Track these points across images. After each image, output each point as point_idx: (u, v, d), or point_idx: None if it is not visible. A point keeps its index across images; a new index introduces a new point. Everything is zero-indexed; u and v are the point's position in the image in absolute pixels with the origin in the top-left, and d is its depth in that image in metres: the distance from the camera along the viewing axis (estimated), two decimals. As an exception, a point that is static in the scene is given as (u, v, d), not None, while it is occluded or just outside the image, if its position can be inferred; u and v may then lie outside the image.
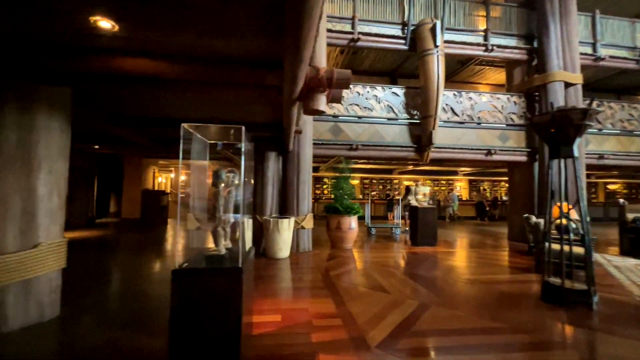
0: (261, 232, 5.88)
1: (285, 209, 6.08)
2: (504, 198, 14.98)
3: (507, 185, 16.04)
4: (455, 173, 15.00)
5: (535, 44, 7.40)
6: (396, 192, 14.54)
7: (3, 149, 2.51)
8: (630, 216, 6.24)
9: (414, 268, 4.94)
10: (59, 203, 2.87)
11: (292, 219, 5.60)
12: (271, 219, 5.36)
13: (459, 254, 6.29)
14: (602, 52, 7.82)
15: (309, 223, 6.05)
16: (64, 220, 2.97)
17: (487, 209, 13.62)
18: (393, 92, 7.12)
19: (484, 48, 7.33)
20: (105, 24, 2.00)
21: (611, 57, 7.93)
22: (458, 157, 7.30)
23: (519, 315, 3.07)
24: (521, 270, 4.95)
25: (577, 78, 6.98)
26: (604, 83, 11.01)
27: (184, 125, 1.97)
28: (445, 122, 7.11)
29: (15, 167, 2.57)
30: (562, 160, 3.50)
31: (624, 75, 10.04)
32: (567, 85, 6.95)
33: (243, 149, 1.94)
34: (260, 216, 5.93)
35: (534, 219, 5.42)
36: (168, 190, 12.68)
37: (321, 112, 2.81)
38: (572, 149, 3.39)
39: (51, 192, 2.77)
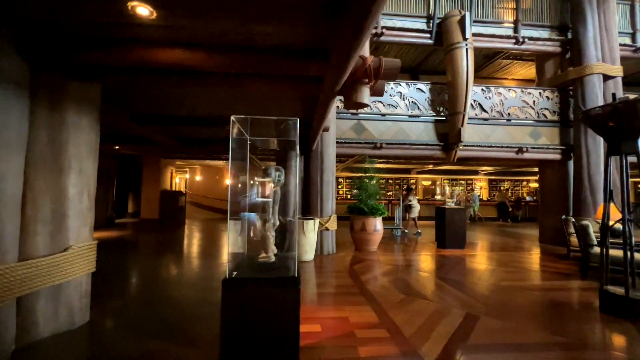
0: (281, 233, 5.71)
1: (308, 210, 5.89)
2: (527, 198, 14.40)
3: (529, 185, 15.48)
4: (475, 172, 14.51)
5: (570, 35, 6.99)
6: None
7: (34, 147, 2.39)
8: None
9: (449, 272, 4.66)
10: (89, 204, 2.75)
11: (317, 220, 5.41)
12: (294, 220, 5.18)
13: (491, 257, 5.95)
14: (643, 42, 7.33)
15: (333, 224, 5.85)
16: (93, 221, 2.85)
17: (510, 209, 13.10)
18: (418, 88, 6.84)
19: (514, 41, 6.97)
20: (143, 10, 1.84)
21: (652, 47, 7.43)
22: (487, 156, 6.96)
23: (581, 328, 2.78)
24: (564, 275, 4.60)
25: (617, 70, 6.56)
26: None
27: (234, 117, 1.80)
28: (472, 119, 6.80)
29: (45, 166, 2.45)
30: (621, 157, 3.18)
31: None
32: (606, 78, 6.53)
33: (297, 142, 1.76)
34: (283, 217, 5.75)
35: (575, 220, 5.05)
36: (184, 191, 12.69)
37: (365, 106, 2.60)
38: (637, 144, 3.07)
39: (81, 193, 2.65)
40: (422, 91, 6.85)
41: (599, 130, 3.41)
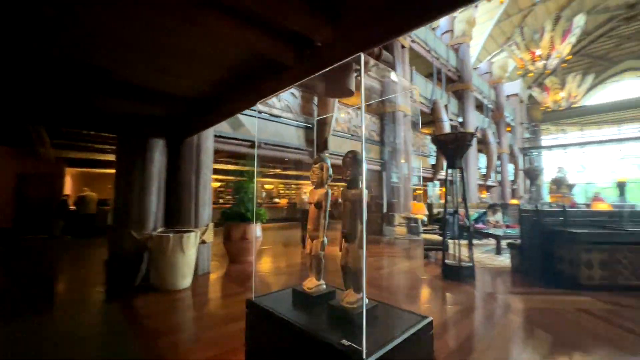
0: (136, 255, 4.02)
1: (176, 218, 4.45)
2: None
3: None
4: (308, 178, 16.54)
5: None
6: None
7: None
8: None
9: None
10: None
11: (198, 232, 4.18)
12: (171, 235, 3.76)
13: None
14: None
15: (210, 235, 4.72)
16: None
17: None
18: (291, 93, 6.94)
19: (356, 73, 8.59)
20: None
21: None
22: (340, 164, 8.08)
23: (430, 286, 3.78)
24: (405, 257, 6.12)
25: (409, 111, 9.61)
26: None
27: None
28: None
29: None
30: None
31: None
32: (405, 115, 9.41)
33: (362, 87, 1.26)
34: (137, 231, 4.02)
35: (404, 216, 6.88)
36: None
37: (351, 94, 2.30)
38: (461, 161, 4.61)
39: None
40: (295, 96, 7.01)
41: (444, 149, 4.83)
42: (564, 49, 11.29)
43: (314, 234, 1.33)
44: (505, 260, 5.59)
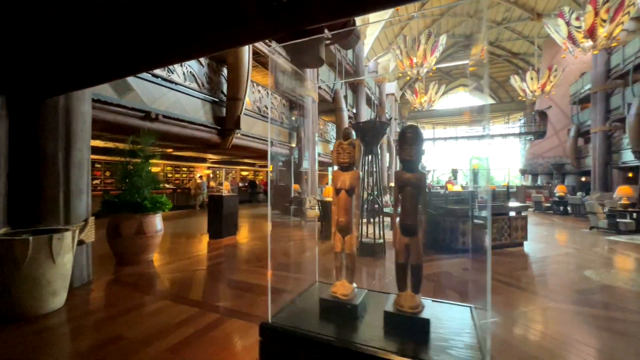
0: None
1: (33, 213, 3.08)
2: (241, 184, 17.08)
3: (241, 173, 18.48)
4: (203, 160, 14.70)
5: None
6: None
7: None
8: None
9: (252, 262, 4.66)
10: None
11: (75, 231, 3.02)
12: (30, 238, 2.56)
13: (263, 236, 6.60)
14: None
15: (91, 234, 3.53)
16: None
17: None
18: (197, 59, 5.86)
19: (268, 47, 8.07)
20: None
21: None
22: (252, 146, 7.52)
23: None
24: (320, 239, 6.31)
25: (316, 97, 9.79)
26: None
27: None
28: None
29: None
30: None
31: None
32: (313, 100, 9.55)
33: None
34: (-44, 237, 2.56)
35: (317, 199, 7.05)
36: None
37: (321, 63, 2.04)
38: (377, 149, 5.01)
39: None
40: (201, 64, 5.96)
41: (362, 136, 5.11)
42: (432, 61, 13.87)
43: (345, 226, 1.08)
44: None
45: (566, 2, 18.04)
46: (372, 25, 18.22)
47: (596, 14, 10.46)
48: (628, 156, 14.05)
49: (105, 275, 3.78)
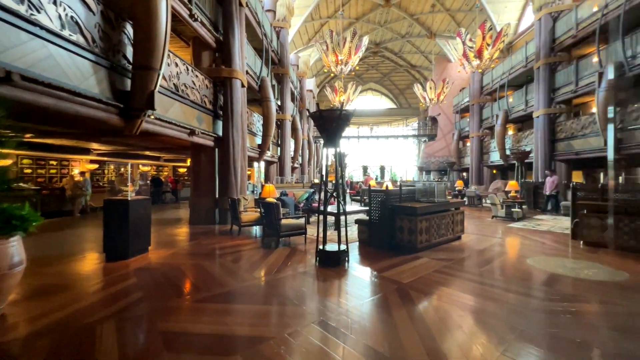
0: None
1: None
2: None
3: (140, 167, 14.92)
4: (87, 151, 11.05)
5: (222, 37, 7.85)
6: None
7: None
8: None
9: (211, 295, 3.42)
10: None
11: None
12: None
13: (192, 249, 5.14)
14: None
15: None
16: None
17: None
18: (84, 1, 3.98)
19: (189, 12, 6.44)
20: None
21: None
22: (166, 133, 5.80)
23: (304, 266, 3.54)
24: (263, 248, 5.31)
25: (244, 82, 8.51)
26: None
27: None
28: (153, 83, 5.31)
29: None
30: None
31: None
32: (242, 85, 8.25)
33: None
34: None
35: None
36: None
37: None
38: (338, 141, 4.41)
39: None
40: (91, 10, 4.10)
41: (322, 127, 4.40)
42: (355, 60, 14.22)
43: None
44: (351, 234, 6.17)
45: (453, 27, 21.52)
46: (295, 17, 17.54)
47: (483, 37, 12.49)
48: (495, 157, 17.64)
49: None
